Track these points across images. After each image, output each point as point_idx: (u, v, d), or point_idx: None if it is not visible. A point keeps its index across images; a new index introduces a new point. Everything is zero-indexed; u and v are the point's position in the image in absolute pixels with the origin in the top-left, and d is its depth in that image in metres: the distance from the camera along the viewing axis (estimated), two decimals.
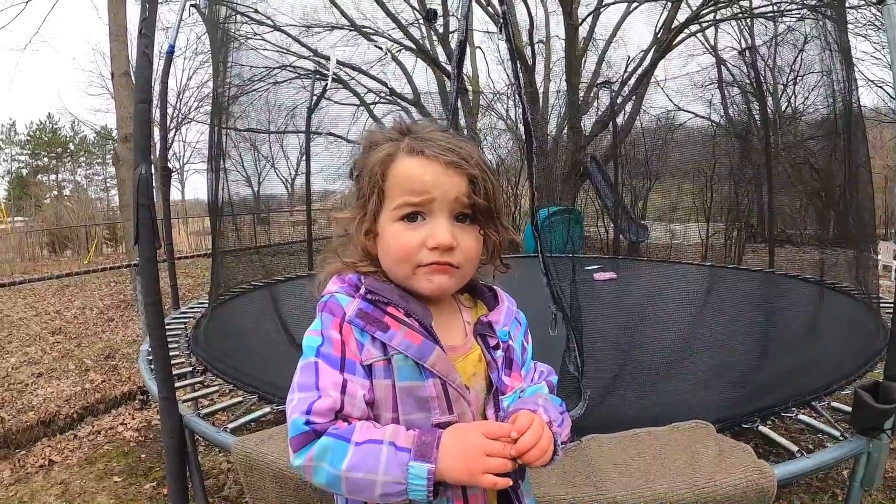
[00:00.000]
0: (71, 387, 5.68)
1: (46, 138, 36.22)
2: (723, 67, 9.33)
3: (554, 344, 2.72)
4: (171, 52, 4.76)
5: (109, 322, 8.64)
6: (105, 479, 3.85)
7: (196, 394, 3.07)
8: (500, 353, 1.17)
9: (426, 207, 1.05)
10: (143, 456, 4.20)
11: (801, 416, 2.53)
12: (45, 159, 36.81)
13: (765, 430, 2.43)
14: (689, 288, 5.53)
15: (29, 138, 36.95)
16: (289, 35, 13.19)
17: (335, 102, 13.88)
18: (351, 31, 14.42)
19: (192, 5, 4.84)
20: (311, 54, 13.39)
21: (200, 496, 2.69)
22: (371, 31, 14.70)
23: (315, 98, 8.74)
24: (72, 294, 11.00)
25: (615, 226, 10.81)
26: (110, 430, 4.69)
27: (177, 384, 2.77)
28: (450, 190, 1.05)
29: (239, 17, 12.71)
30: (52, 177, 35.83)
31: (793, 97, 10.80)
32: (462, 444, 0.98)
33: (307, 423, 0.99)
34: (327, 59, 13.94)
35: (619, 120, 11.50)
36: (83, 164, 38.94)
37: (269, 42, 13.41)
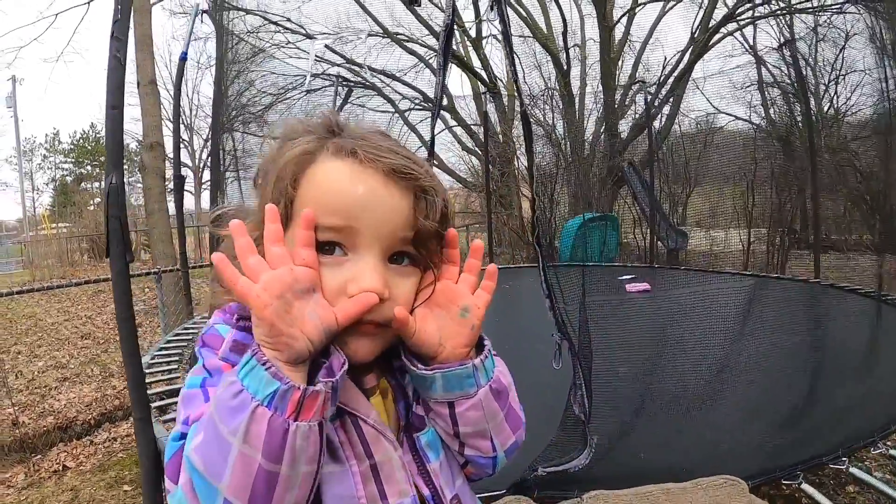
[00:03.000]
0: (92, 392, 5.69)
1: (89, 147, 37.12)
2: (763, 67, 9.01)
3: (559, 378, 2.40)
4: (183, 59, 4.83)
5: (137, 328, 8.70)
6: (115, 488, 3.79)
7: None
8: (407, 376, 0.85)
9: (349, 239, 0.74)
10: None
11: (853, 470, 2.17)
12: (88, 167, 37.75)
13: (809, 489, 2.08)
14: (726, 303, 4.93)
15: (72, 147, 38.00)
16: (328, 48, 13.25)
17: (369, 109, 14.01)
18: (384, 37, 14.42)
19: (204, 11, 4.86)
20: (344, 62, 13.49)
21: None
22: (405, 38, 14.74)
23: (339, 105, 8.66)
24: (105, 299, 11.13)
25: (652, 233, 10.54)
26: (126, 437, 4.65)
27: (168, 401, 2.65)
28: (387, 216, 0.74)
29: (273, 26, 12.98)
30: (95, 184, 36.64)
31: (835, 97, 10.42)
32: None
33: (181, 436, 0.70)
34: (360, 66, 14.10)
35: (657, 123, 11.24)
36: (125, 171, 39.88)
37: (303, 50, 13.53)
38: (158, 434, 2.38)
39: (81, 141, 37.81)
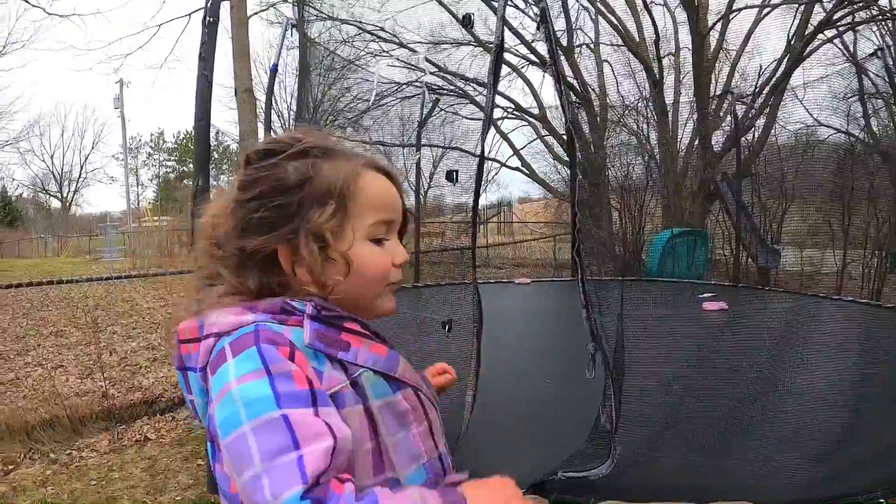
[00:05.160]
0: None
1: (192, 147, 39.25)
2: (863, 76, 8.55)
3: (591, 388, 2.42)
4: (274, 70, 5.08)
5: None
6: (190, 461, 4.04)
7: None
8: None
9: (390, 228, 1.00)
10: None
11: None
12: (191, 166, 39.92)
13: None
14: (795, 326, 4.74)
15: (176, 146, 40.30)
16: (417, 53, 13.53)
17: (463, 117, 14.19)
18: (477, 46, 14.56)
19: (292, 25, 5.08)
20: (437, 70, 13.70)
21: None
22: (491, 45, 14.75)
23: (426, 113, 8.85)
24: None
25: (743, 250, 10.19)
26: None
27: None
28: (400, 209, 1.03)
29: (367, 35, 13.36)
30: None
31: None
32: (488, 494, 0.84)
33: (307, 494, 0.69)
34: (454, 74, 14.32)
35: (751, 135, 10.85)
36: (225, 171, 42.01)
37: (398, 59, 13.86)
38: None
39: (185, 141, 40.08)
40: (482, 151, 3.75)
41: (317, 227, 0.90)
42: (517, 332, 6.41)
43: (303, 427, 0.73)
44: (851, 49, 9.97)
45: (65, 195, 43.99)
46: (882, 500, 2.04)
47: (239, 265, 0.92)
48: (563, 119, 3.63)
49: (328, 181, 0.92)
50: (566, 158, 15.31)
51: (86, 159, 43.29)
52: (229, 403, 0.76)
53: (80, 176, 43.82)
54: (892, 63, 7.80)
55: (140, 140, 42.18)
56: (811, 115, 10.04)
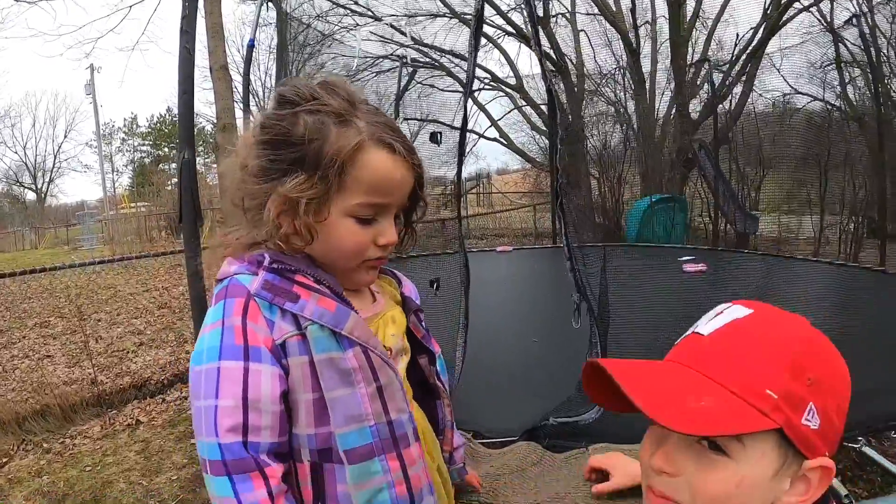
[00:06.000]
0: (167, 356, 6.03)
1: (166, 129, 38.73)
2: (840, 44, 8.60)
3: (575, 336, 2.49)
4: (251, 46, 5.04)
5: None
6: (183, 441, 4.07)
7: None
8: (422, 320, 1.19)
9: (381, 209, 0.99)
10: None
11: (865, 449, 2.11)
12: (166, 149, 39.39)
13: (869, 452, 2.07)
14: (773, 285, 5.10)
15: (150, 130, 39.72)
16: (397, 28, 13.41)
17: (440, 90, 14.08)
18: (452, 18, 14.43)
19: (268, 1, 5.02)
20: (412, 43, 13.57)
21: None
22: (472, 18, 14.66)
23: (403, 85, 8.78)
24: (181, 273, 11.62)
25: (722, 215, 10.31)
26: None
27: None
28: (404, 194, 1.02)
29: (340, 9, 13.20)
30: (173, 165, 38.13)
31: None
32: None
33: (225, 456, 0.88)
34: (430, 47, 14.20)
35: (728, 103, 10.91)
36: (201, 153, 41.55)
37: (373, 33, 13.71)
38: None
39: (158, 124, 39.50)
40: (464, 121, 3.77)
41: (288, 191, 0.93)
42: (502, 297, 6.50)
43: (226, 381, 0.89)
44: (828, 17, 9.99)
45: (39, 186, 43.27)
46: (861, 439, 2.15)
47: (252, 208, 1.00)
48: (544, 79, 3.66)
49: (329, 149, 0.93)
50: (544, 129, 15.40)
51: (59, 148, 42.66)
52: (199, 343, 0.94)
53: (53, 166, 43.15)
54: (867, 30, 7.85)
55: (113, 126, 41.53)
56: (788, 83, 10.14)
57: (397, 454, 0.99)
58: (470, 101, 13.84)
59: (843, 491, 1.88)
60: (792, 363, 0.69)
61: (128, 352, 6.28)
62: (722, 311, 0.77)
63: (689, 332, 0.79)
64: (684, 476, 0.72)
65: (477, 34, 3.19)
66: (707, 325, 0.76)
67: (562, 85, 12.66)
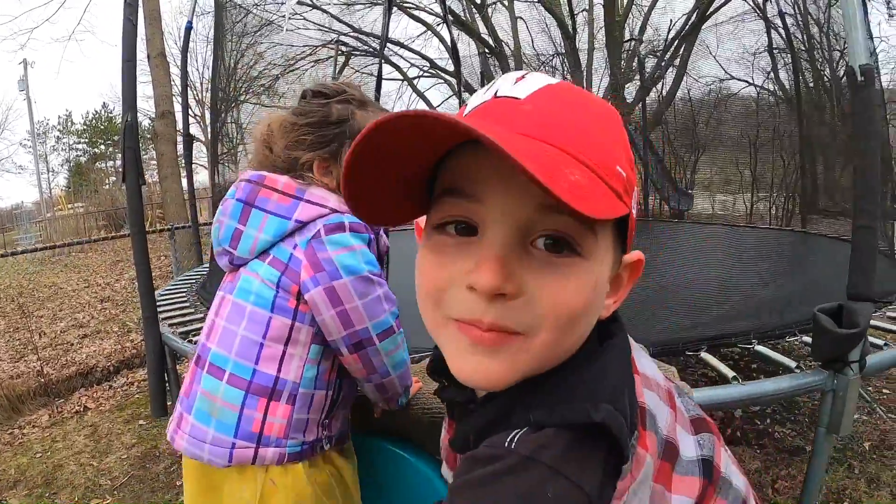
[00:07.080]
0: (112, 345, 6.00)
1: (102, 126, 37.45)
2: (773, 31, 8.99)
3: None
4: (189, 28, 5.14)
5: (156, 290, 9.08)
6: (132, 423, 4.12)
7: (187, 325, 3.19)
8: None
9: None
10: (169, 403, 4.45)
11: (758, 348, 2.29)
12: (102, 147, 38.12)
13: (707, 356, 2.26)
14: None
15: (85, 127, 38.37)
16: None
17: (384, 79, 14.03)
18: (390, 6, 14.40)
19: None
20: (351, 31, 13.56)
21: None
22: (412, 6, 14.78)
23: (338, 70, 8.84)
24: (123, 267, 11.52)
25: (655, 192, 10.69)
26: (143, 381, 4.96)
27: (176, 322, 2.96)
28: None
29: None
30: (110, 163, 37.09)
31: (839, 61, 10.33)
32: None
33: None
34: (369, 35, 14.19)
35: (661, 87, 11.28)
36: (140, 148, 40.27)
37: (311, 21, 13.63)
38: (163, 331, 2.79)
39: (94, 121, 38.18)
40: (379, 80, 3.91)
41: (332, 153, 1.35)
42: None
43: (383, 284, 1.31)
44: (760, 3, 10.39)
45: None
46: (754, 340, 2.37)
47: (289, 168, 1.35)
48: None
49: (358, 125, 1.32)
50: None
51: None
52: (354, 256, 1.25)
53: None
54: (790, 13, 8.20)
55: (48, 124, 39.94)
56: (723, 67, 10.55)
57: None
58: (410, 89, 13.91)
59: (730, 374, 2.06)
60: (624, 137, 0.57)
61: (72, 344, 6.23)
62: (524, 77, 0.57)
63: (484, 95, 0.57)
64: (526, 295, 0.52)
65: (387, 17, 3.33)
66: (514, 87, 0.56)
67: (500, 71, 12.86)
